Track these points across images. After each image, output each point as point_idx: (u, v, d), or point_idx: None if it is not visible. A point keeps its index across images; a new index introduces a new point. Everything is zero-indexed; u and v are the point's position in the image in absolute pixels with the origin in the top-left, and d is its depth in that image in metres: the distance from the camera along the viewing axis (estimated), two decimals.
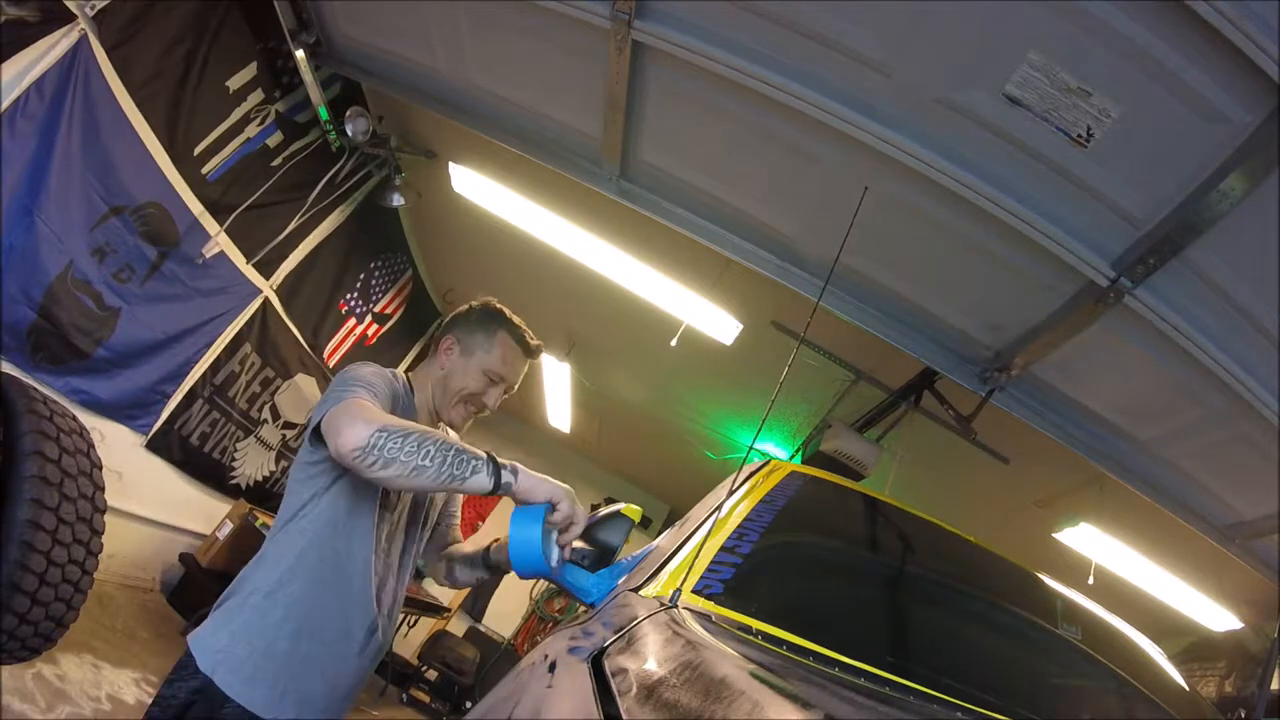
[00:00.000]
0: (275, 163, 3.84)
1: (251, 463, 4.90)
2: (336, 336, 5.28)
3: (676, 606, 1.05)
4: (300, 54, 3.27)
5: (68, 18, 2.58)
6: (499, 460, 1.29)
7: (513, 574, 1.35)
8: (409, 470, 1.21)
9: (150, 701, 1.39)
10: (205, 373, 4.05)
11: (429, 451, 1.22)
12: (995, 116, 2.06)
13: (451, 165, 3.85)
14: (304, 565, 1.41)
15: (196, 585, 4.33)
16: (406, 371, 1.68)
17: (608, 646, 0.87)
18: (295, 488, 1.47)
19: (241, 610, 1.39)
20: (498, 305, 1.70)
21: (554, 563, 1.34)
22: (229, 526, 4.51)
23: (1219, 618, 4.10)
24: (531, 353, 1.68)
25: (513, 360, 1.65)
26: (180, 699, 1.33)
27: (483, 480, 1.26)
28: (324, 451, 1.35)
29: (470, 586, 1.68)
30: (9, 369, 2.82)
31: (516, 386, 1.69)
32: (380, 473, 1.21)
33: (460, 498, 1.81)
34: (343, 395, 1.35)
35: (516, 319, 1.68)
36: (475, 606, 7.82)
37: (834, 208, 2.57)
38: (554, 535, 1.35)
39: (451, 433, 1.48)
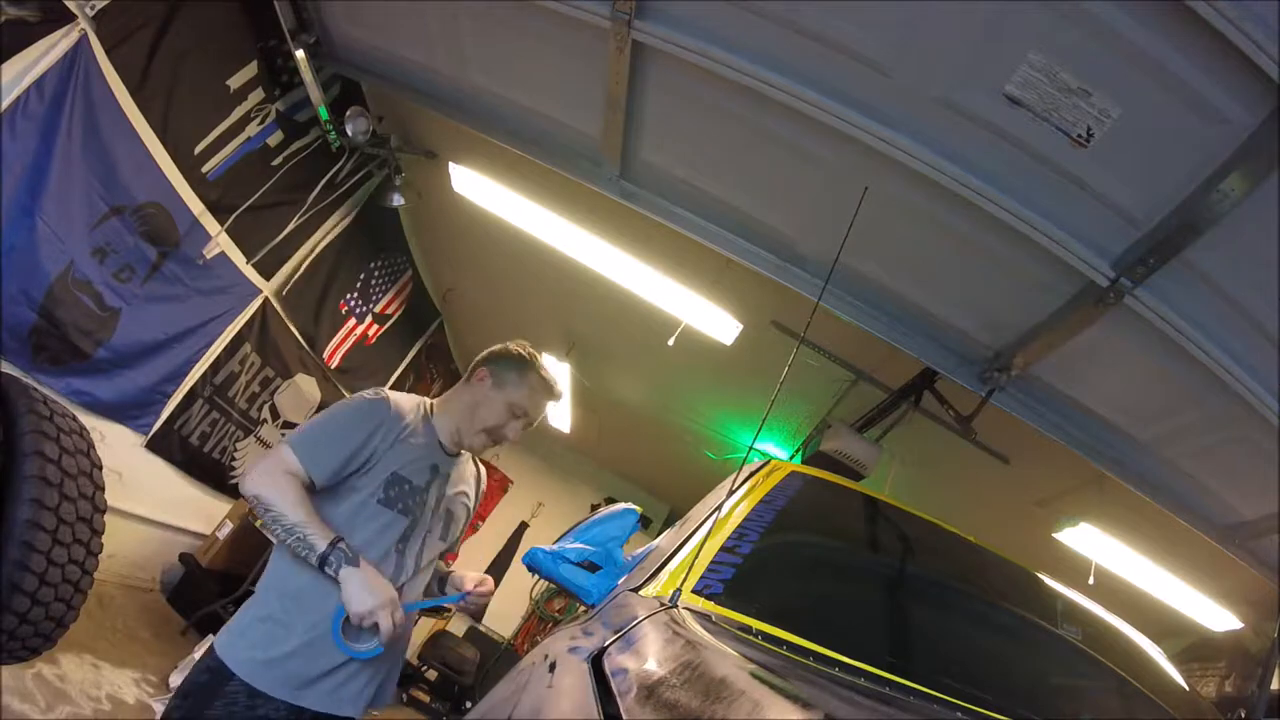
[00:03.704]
0: (275, 162, 3.84)
1: (251, 461, 4.90)
2: (337, 336, 5.27)
3: (676, 606, 1.05)
4: (300, 54, 3.27)
5: (68, 18, 2.58)
6: (337, 554, 1.48)
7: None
8: (272, 531, 1.51)
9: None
10: (205, 373, 4.05)
11: (281, 533, 1.50)
12: (995, 116, 2.06)
13: (451, 165, 3.85)
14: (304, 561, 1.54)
15: (196, 585, 4.32)
16: (424, 390, 1.76)
17: (608, 646, 0.87)
18: None
19: (255, 601, 1.58)
20: (532, 350, 1.87)
21: (365, 648, 1.52)
22: (229, 526, 4.51)
23: (1219, 618, 4.10)
24: (555, 396, 1.85)
25: (538, 399, 1.80)
26: (199, 680, 1.52)
27: (311, 559, 1.48)
28: None
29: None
30: (9, 369, 2.81)
31: (534, 424, 1.84)
32: (259, 516, 1.51)
33: (467, 519, 1.94)
34: (298, 440, 1.57)
35: (544, 364, 1.86)
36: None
37: (834, 208, 2.57)
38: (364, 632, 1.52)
39: (312, 522, 1.55)
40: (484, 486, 1.98)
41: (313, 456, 1.57)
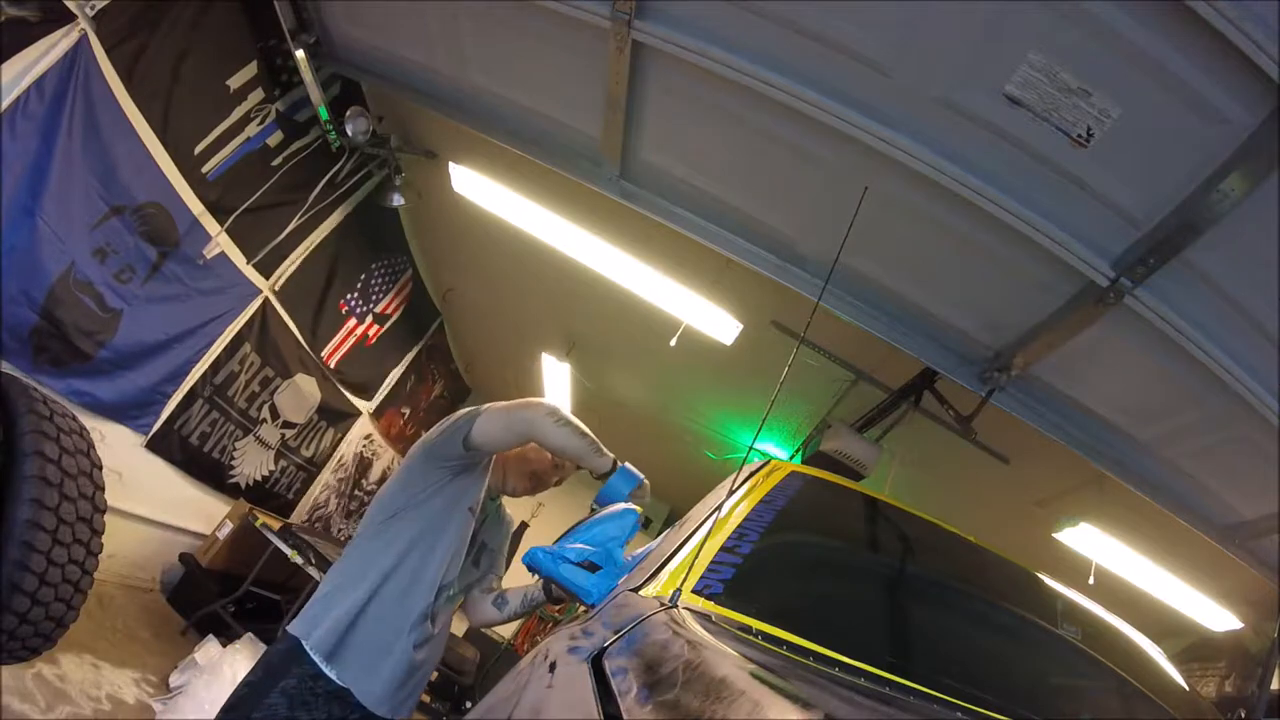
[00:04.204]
0: (275, 162, 3.84)
1: (251, 462, 4.90)
2: (336, 337, 5.28)
3: (676, 606, 1.05)
4: (300, 54, 3.27)
5: (68, 18, 2.58)
6: (618, 462, 1.76)
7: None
8: (571, 439, 1.73)
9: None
10: (205, 373, 4.05)
11: (580, 435, 1.73)
12: (995, 116, 2.06)
13: (451, 165, 3.85)
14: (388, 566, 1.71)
15: (196, 585, 4.33)
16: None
17: (608, 646, 0.87)
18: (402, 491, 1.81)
19: (333, 592, 1.70)
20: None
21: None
22: (229, 526, 4.51)
23: (1219, 618, 4.10)
24: None
25: None
26: (274, 661, 1.64)
27: (605, 467, 1.74)
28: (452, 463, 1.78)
29: (512, 618, 2.05)
30: (10, 370, 2.81)
31: (565, 481, 2.06)
32: (559, 428, 1.73)
33: (503, 561, 2.15)
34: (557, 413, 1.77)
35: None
36: None
37: (834, 208, 2.57)
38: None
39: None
40: (512, 529, 2.18)
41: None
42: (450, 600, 1.84)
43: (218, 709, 1.65)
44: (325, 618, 1.64)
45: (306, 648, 1.61)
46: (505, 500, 2.11)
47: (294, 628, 1.65)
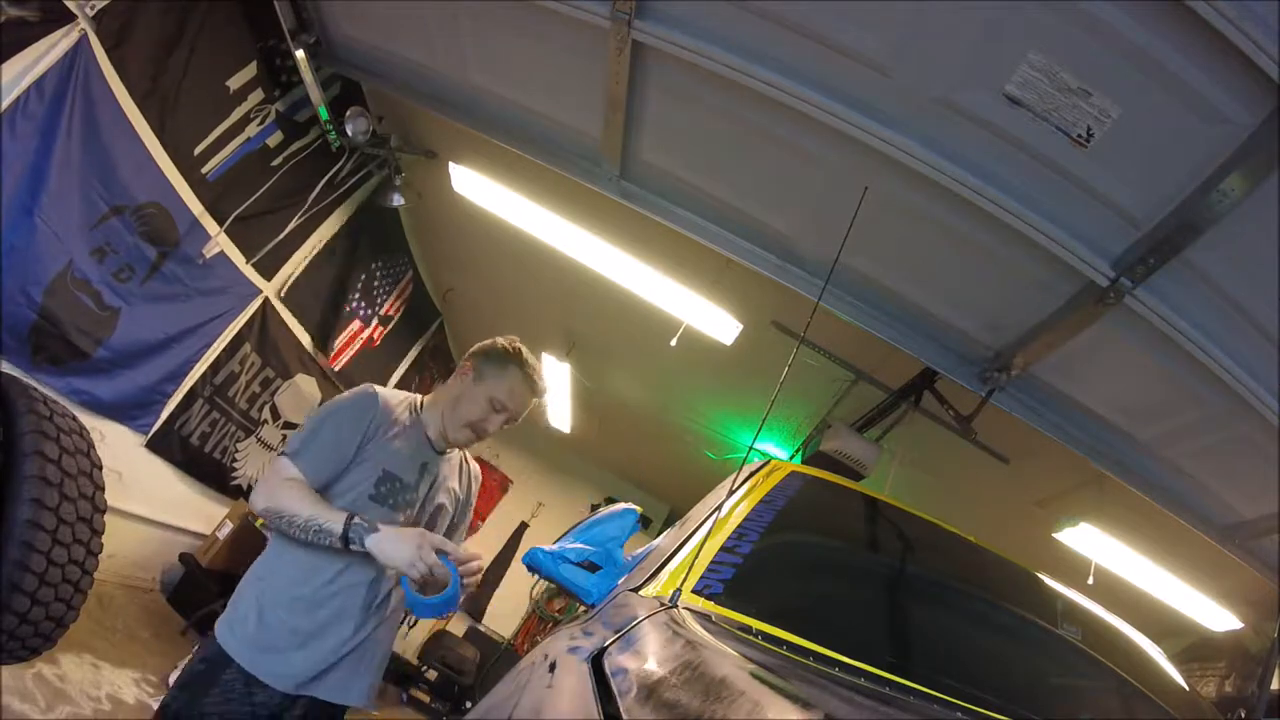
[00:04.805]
0: (275, 162, 3.84)
1: (253, 463, 4.90)
2: (342, 338, 5.28)
3: (676, 606, 1.05)
4: (300, 54, 3.26)
5: (68, 18, 2.58)
6: (354, 525, 1.51)
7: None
8: (290, 535, 1.55)
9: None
10: (205, 373, 4.05)
11: (298, 531, 1.53)
12: (995, 116, 2.06)
13: (451, 165, 3.85)
14: (288, 555, 1.63)
15: (196, 585, 4.32)
16: (425, 391, 1.77)
17: (608, 646, 0.87)
18: None
19: (242, 593, 1.66)
20: (519, 345, 1.84)
21: (440, 604, 1.50)
22: (229, 527, 4.51)
23: (1219, 618, 4.10)
24: (537, 392, 1.82)
25: (519, 394, 1.77)
26: (196, 669, 1.59)
27: (335, 542, 1.51)
28: None
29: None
30: (9, 369, 2.81)
31: (520, 419, 1.81)
32: (275, 528, 1.58)
33: (467, 520, 1.96)
34: (293, 447, 1.62)
35: (531, 359, 1.83)
36: (475, 606, 7.82)
37: (834, 208, 2.57)
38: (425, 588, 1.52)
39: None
40: (478, 484, 1.98)
41: (310, 463, 1.61)
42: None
43: None
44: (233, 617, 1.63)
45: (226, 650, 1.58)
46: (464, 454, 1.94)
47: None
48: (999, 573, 1.76)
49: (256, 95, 3.51)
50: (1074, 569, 4.17)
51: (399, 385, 6.45)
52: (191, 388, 4.00)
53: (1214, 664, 4.44)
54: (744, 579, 1.24)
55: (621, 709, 0.64)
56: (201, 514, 4.59)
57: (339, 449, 1.64)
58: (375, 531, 1.50)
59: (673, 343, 3.86)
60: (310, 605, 1.60)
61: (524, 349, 1.84)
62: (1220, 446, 2.73)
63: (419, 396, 1.84)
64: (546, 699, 0.87)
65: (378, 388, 1.76)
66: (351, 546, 1.50)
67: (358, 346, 5.45)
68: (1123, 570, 4.12)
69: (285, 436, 5.12)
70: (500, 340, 1.85)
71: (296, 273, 4.47)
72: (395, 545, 1.48)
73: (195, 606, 4.19)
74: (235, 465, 4.73)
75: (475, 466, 1.97)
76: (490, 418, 1.75)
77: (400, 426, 1.72)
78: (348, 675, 1.65)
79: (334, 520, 1.50)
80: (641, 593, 1.23)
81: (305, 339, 4.89)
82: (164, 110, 3.11)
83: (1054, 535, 4.12)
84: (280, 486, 1.57)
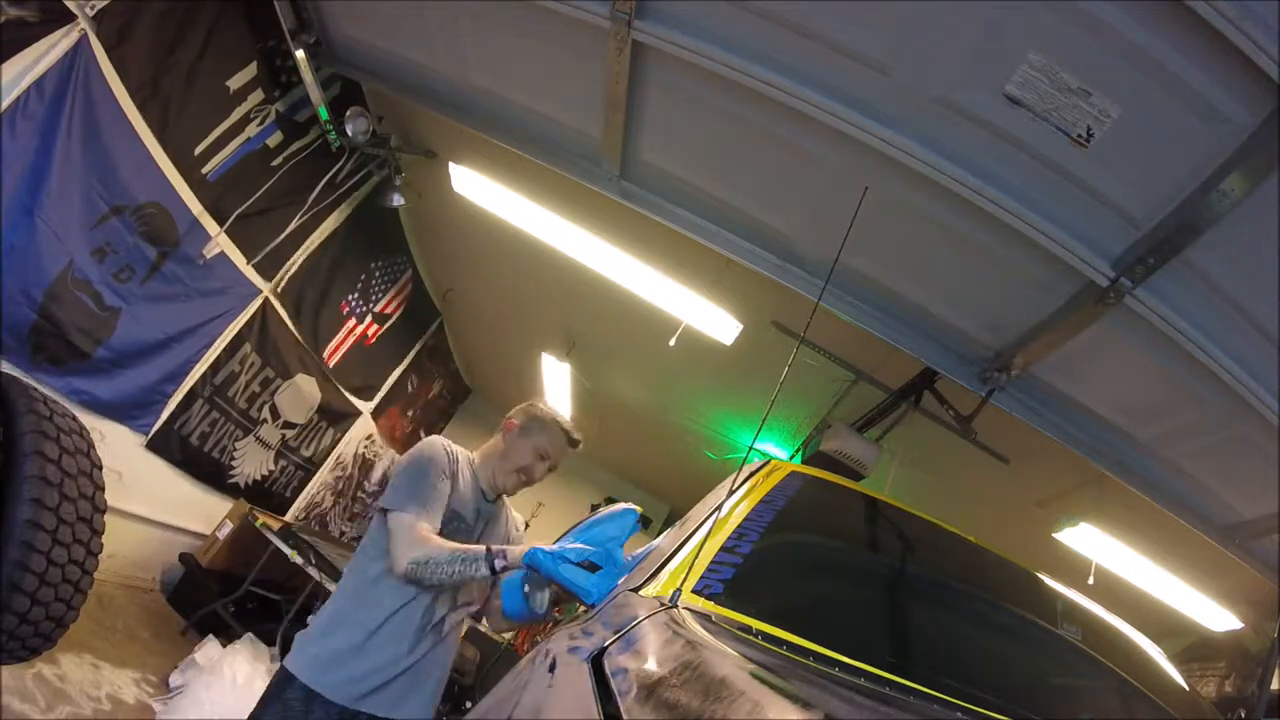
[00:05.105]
0: (275, 163, 3.84)
1: (251, 462, 4.90)
2: (337, 336, 5.28)
3: (676, 606, 1.05)
4: (300, 54, 3.26)
5: (68, 18, 2.58)
6: (492, 551, 1.66)
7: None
8: (437, 581, 1.68)
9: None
10: (205, 373, 4.05)
11: (445, 569, 1.66)
12: (995, 116, 2.06)
13: (451, 165, 3.85)
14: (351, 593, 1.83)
15: (196, 585, 4.33)
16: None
17: (608, 646, 0.87)
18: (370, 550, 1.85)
19: (314, 628, 1.82)
20: (556, 411, 2.13)
21: (540, 609, 1.65)
22: (229, 526, 4.51)
23: (1219, 618, 4.10)
24: (574, 444, 2.09)
25: (558, 446, 2.06)
26: (266, 692, 1.75)
27: (484, 572, 1.64)
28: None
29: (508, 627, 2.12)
30: (9, 369, 2.81)
31: (557, 467, 2.09)
32: (421, 580, 1.70)
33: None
34: (402, 501, 1.77)
35: (567, 421, 2.11)
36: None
37: (834, 208, 2.57)
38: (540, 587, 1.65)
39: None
40: (518, 531, 2.20)
41: (421, 508, 1.77)
42: (444, 610, 1.88)
43: (218, 709, 1.68)
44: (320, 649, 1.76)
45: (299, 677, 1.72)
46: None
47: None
48: (999, 573, 1.76)
49: (256, 95, 3.51)
50: (1074, 569, 4.17)
51: (399, 383, 6.47)
52: (191, 388, 4.00)
53: (1214, 664, 4.44)
54: (744, 579, 1.24)
55: (621, 709, 0.64)
56: (201, 514, 4.59)
57: (437, 493, 1.82)
58: (507, 560, 1.65)
59: (671, 342, 3.86)
60: (368, 630, 1.74)
61: (559, 411, 2.14)
62: (1220, 446, 2.73)
63: (472, 453, 2.07)
64: (546, 699, 0.87)
65: (444, 440, 1.96)
66: (498, 573, 1.64)
67: (350, 344, 5.45)
68: (1123, 570, 4.12)
69: (284, 436, 5.12)
70: (539, 404, 2.15)
71: (296, 272, 4.47)
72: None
73: (195, 606, 4.19)
74: (234, 464, 4.73)
75: (517, 515, 2.22)
76: (536, 465, 2.02)
77: (463, 474, 1.94)
78: (403, 691, 1.76)
79: (475, 554, 1.66)
80: (641, 593, 1.23)
81: (303, 338, 4.89)
82: (164, 110, 3.12)
83: (1054, 535, 4.12)
84: (415, 540, 1.69)
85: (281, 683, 1.72)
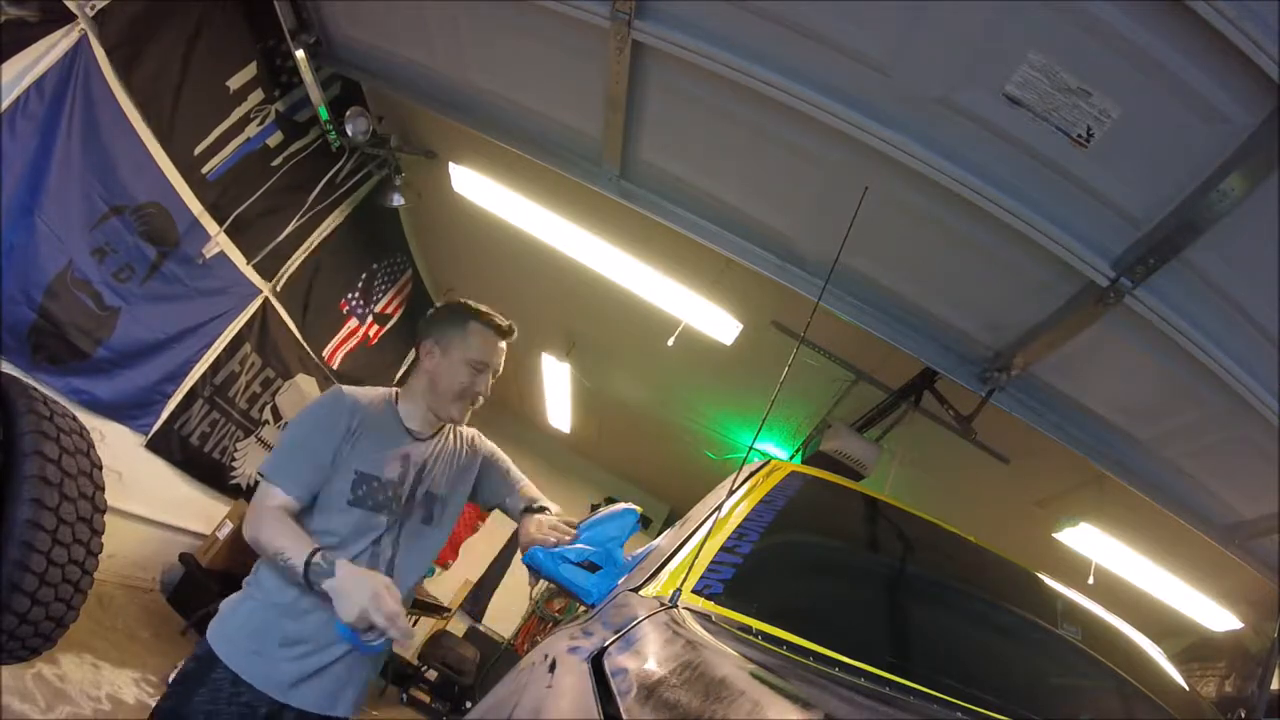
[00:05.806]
0: (275, 163, 3.84)
1: (252, 463, 4.90)
2: (338, 336, 5.28)
3: (676, 606, 1.05)
4: (300, 54, 3.26)
5: (68, 18, 2.58)
6: (314, 570, 1.45)
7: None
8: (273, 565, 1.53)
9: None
10: (205, 373, 4.05)
11: (276, 566, 1.51)
12: (995, 116, 2.06)
13: (451, 165, 3.85)
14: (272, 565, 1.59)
15: (196, 585, 4.32)
16: (399, 383, 1.75)
17: (608, 646, 0.87)
18: None
19: (237, 599, 1.64)
20: (462, 300, 1.80)
21: (378, 641, 1.49)
22: (229, 526, 4.51)
23: (1219, 618, 4.10)
24: (504, 333, 1.78)
25: (489, 345, 1.75)
26: (188, 668, 1.58)
27: (299, 579, 1.46)
28: None
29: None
30: (9, 369, 2.81)
31: (500, 368, 1.78)
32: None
33: (504, 466, 1.97)
34: (271, 468, 1.59)
35: (482, 306, 1.77)
36: (475, 607, 7.82)
37: (834, 208, 2.57)
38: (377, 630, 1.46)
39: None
40: (481, 441, 1.93)
41: (289, 480, 1.57)
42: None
43: None
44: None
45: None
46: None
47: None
48: (999, 573, 1.75)
49: (256, 95, 3.51)
50: (1074, 569, 4.17)
51: (401, 384, 6.46)
52: (191, 388, 4.00)
53: (1214, 664, 4.44)
54: (744, 579, 1.24)
55: (621, 709, 0.64)
56: (201, 514, 4.59)
57: (314, 458, 1.60)
58: (332, 575, 1.44)
59: (670, 342, 3.86)
60: (297, 612, 1.57)
61: (469, 300, 1.80)
62: (1220, 446, 2.73)
63: (394, 390, 1.80)
64: (546, 699, 0.87)
65: (346, 389, 1.71)
66: (314, 588, 1.45)
67: (353, 344, 5.44)
68: (1123, 570, 4.12)
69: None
70: (441, 305, 1.81)
71: (296, 272, 4.47)
72: (344, 600, 1.42)
73: (195, 606, 4.19)
74: (234, 464, 4.73)
75: (469, 430, 1.90)
76: (475, 380, 1.73)
77: (374, 424, 1.68)
78: (336, 685, 1.62)
79: (297, 556, 1.46)
80: (641, 593, 1.23)
81: (303, 337, 4.88)
82: (164, 110, 3.11)
83: (1054, 535, 4.12)
84: (262, 516, 1.53)
85: (206, 660, 1.58)
